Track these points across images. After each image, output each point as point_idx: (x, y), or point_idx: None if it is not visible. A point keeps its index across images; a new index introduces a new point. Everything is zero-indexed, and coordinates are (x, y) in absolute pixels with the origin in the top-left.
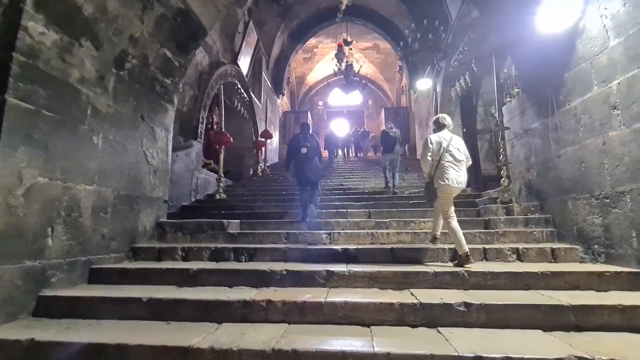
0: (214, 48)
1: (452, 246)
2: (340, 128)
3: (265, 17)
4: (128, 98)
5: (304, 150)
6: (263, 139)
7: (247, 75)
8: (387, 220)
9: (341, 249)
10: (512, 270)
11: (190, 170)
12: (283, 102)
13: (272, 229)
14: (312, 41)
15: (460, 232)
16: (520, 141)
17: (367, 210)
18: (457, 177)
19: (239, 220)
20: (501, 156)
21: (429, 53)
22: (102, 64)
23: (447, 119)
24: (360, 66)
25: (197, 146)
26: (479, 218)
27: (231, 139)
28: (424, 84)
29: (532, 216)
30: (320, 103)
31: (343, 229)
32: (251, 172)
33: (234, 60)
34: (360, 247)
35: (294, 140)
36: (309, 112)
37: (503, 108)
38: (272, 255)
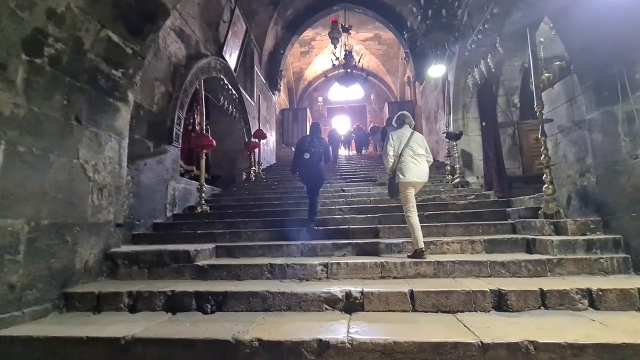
0: (192, 37)
1: (493, 287)
2: (342, 125)
3: (255, 5)
4: (52, 95)
5: (306, 155)
6: (256, 140)
7: (235, 70)
8: (401, 241)
9: (341, 292)
10: (605, 342)
11: (165, 180)
12: (280, 99)
13: (255, 256)
14: (309, 33)
15: (418, 229)
16: (568, 137)
17: (374, 226)
18: (417, 171)
19: (213, 245)
20: (542, 156)
21: (442, 34)
22: (0, 47)
23: (408, 117)
24: (361, 55)
25: (173, 151)
26: (517, 236)
27: (213, 142)
28: (437, 70)
29: (595, 237)
30: (320, 99)
31: (344, 255)
32: (244, 176)
33: (219, 53)
34: (366, 287)
35: (300, 142)
36: (307, 109)
37: (542, 95)
38: (248, 303)
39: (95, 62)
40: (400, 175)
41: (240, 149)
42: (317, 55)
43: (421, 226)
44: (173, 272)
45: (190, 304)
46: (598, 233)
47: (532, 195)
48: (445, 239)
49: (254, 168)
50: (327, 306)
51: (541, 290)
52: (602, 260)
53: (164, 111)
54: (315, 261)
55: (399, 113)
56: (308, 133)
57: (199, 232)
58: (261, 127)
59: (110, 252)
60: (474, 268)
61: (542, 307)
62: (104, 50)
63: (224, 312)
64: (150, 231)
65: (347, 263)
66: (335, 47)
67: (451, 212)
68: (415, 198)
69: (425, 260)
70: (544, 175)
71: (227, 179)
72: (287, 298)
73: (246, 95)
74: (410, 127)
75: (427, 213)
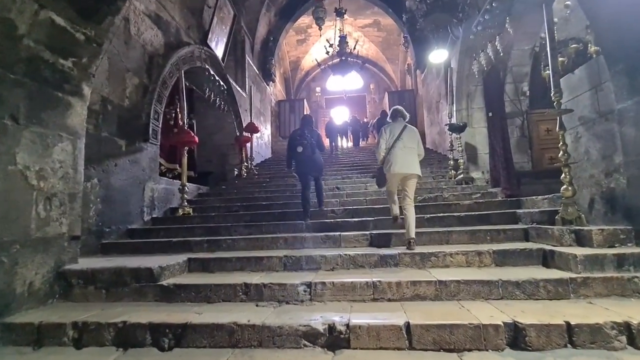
0: (171, 24)
1: (508, 319)
2: (341, 116)
3: None
4: None
5: (299, 149)
6: (247, 134)
7: (223, 60)
8: (397, 252)
9: (323, 324)
10: None
11: (141, 181)
12: (277, 90)
13: (233, 270)
14: (305, 20)
15: (396, 208)
16: (591, 130)
17: (367, 233)
18: (405, 163)
19: (186, 258)
20: (560, 153)
21: (444, 15)
22: None
23: (402, 112)
24: (357, 41)
25: (151, 149)
26: (532, 246)
27: (195, 138)
28: (438, 55)
29: (627, 250)
30: (318, 89)
31: (332, 269)
32: (235, 172)
33: (204, 41)
34: (354, 318)
35: (291, 137)
36: (305, 100)
37: (561, 81)
38: (212, 338)
39: (35, 50)
40: (388, 167)
41: (232, 144)
42: (314, 43)
43: (422, 232)
44: (134, 293)
45: (144, 338)
46: (630, 245)
47: (546, 196)
48: (448, 249)
49: (245, 164)
50: (306, 342)
51: (567, 324)
52: (636, 279)
53: (138, 105)
54: (297, 280)
55: (393, 108)
56: (299, 126)
57: (174, 240)
58: (254, 120)
59: (64, 270)
60: (482, 289)
61: (568, 345)
62: (46, 35)
63: (183, 349)
64: (124, 239)
65: (333, 283)
66: (320, 29)
67: (455, 214)
68: (415, 198)
69: (425, 279)
70: (562, 175)
71: (218, 175)
72: (259, 332)
73: (236, 87)
74: (404, 120)
75: (428, 216)
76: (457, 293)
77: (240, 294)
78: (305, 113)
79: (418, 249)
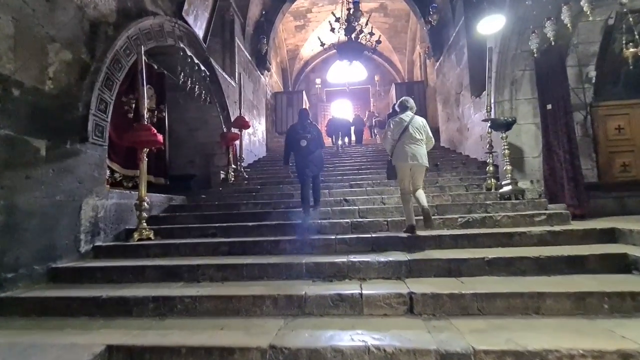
0: None
1: None
2: (344, 113)
3: None
4: None
5: (303, 142)
6: (236, 131)
7: (205, 40)
8: (469, 349)
9: None
10: None
11: (76, 197)
12: (273, 81)
13: None
14: (304, 3)
15: (410, 209)
16: None
17: (405, 293)
18: (413, 155)
19: (103, 347)
20: None
21: None
22: None
23: (410, 102)
24: (369, 15)
25: (94, 153)
26: None
27: (158, 137)
28: (491, 23)
29: None
30: (318, 81)
31: None
32: (222, 176)
33: (179, 14)
34: None
35: (291, 131)
36: (304, 92)
37: None
38: None
39: None
40: (397, 159)
41: (218, 142)
42: (314, 30)
43: (495, 293)
44: None
45: None
46: None
47: None
48: (553, 338)
49: (233, 166)
50: None
51: None
52: None
53: (71, 91)
54: None
55: (402, 98)
56: (297, 120)
57: (104, 297)
58: (246, 114)
59: None
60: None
61: None
62: None
63: None
64: (41, 285)
65: None
66: None
67: (529, 255)
68: (455, 219)
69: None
70: None
71: (202, 179)
72: None
73: (223, 74)
74: (412, 111)
75: (490, 257)
76: None
77: None
78: (304, 106)
79: (504, 335)
